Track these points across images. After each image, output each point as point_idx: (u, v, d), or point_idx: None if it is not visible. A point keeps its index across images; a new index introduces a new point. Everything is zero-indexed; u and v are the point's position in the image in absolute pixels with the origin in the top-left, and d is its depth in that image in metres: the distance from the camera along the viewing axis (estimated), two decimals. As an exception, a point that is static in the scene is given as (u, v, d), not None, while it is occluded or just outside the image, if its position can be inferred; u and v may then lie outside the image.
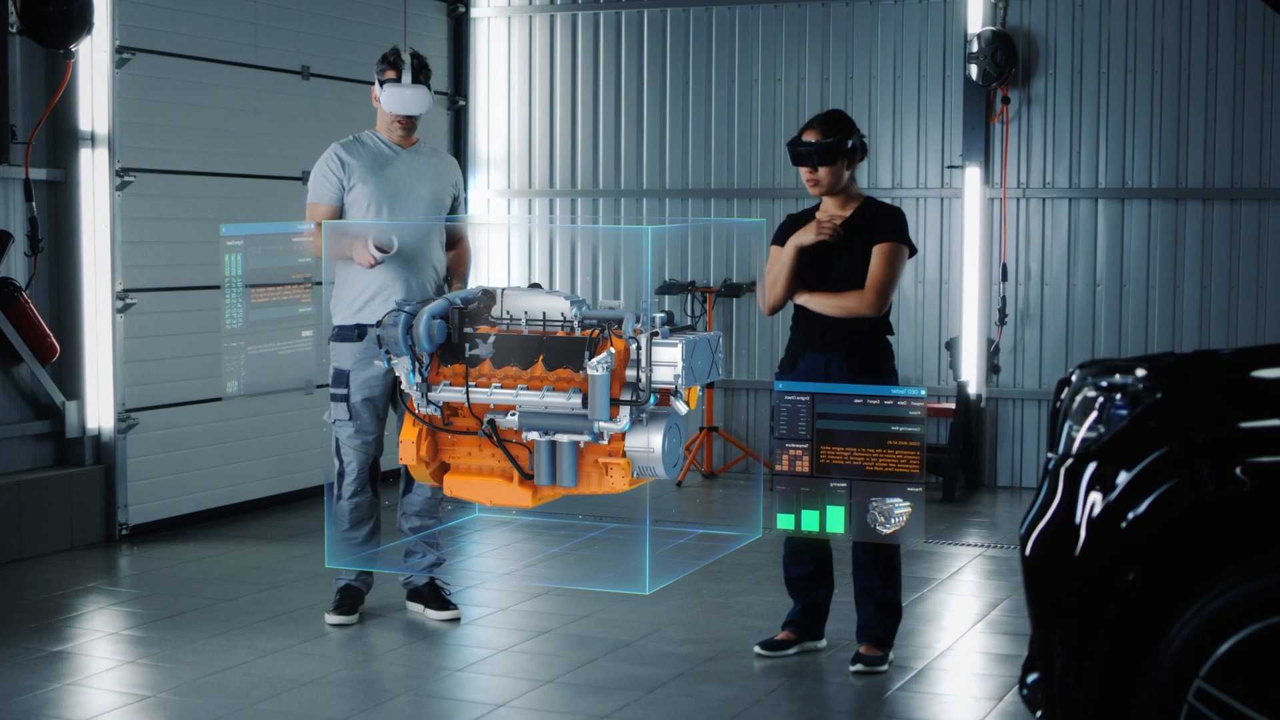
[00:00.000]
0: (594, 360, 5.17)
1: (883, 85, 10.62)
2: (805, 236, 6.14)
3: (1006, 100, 10.29)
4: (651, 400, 5.24)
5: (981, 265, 10.33)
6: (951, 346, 10.39)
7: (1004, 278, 10.35)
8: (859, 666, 6.14)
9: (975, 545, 8.60)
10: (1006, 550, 8.47)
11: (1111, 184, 10.21)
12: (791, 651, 6.36)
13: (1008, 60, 10.13)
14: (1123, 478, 3.89)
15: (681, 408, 5.29)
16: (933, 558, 8.21)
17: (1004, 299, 10.35)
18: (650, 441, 5.23)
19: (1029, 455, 10.44)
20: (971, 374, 10.33)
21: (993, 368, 10.42)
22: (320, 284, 6.78)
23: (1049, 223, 10.34)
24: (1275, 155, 9.88)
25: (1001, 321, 10.36)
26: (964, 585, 7.76)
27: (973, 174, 10.34)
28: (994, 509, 9.81)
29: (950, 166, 10.46)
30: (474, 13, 11.39)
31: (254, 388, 5.75)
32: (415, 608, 7.00)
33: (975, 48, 10.15)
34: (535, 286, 5.93)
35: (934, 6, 10.50)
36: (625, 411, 5.20)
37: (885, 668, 6.17)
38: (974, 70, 10.16)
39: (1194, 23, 9.99)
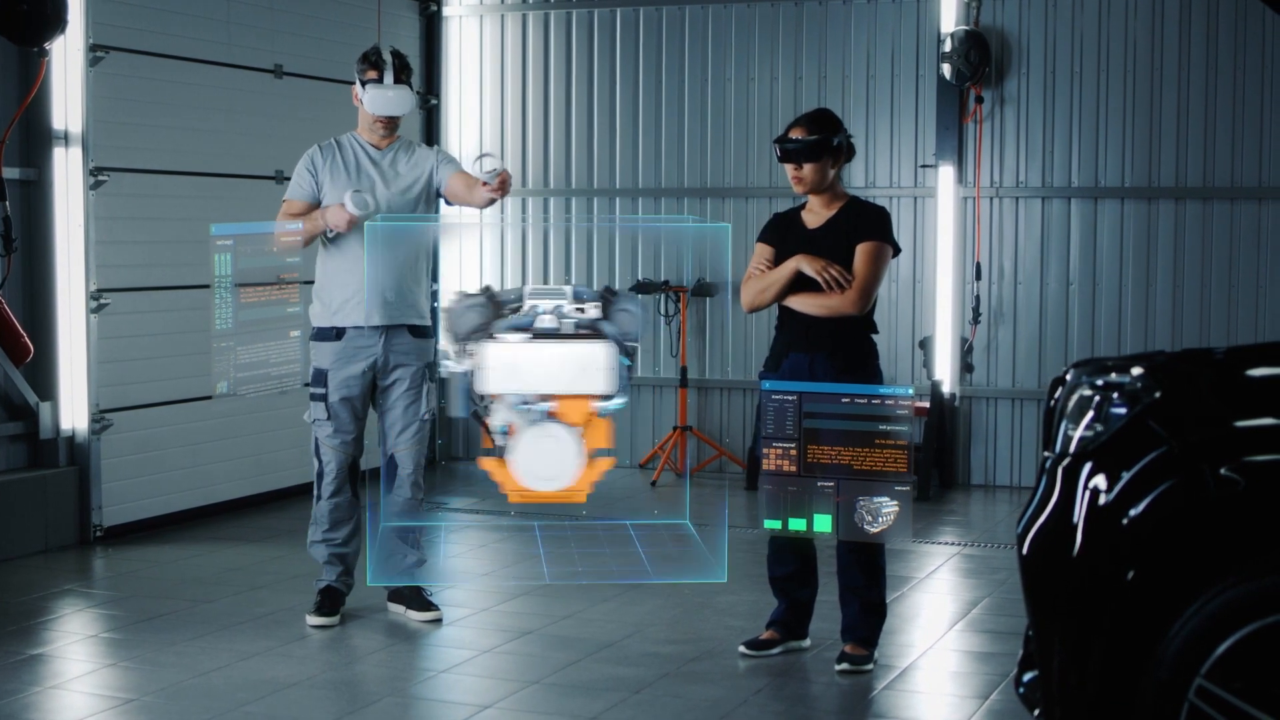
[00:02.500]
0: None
1: (856, 84, 10.64)
2: (809, 267, 6.11)
3: (980, 99, 10.32)
4: None
5: (955, 264, 10.36)
6: (925, 345, 10.41)
7: (977, 277, 10.38)
8: (844, 666, 6.14)
9: (952, 544, 8.62)
10: (983, 549, 8.49)
11: (1084, 183, 10.24)
12: (776, 651, 6.35)
13: (981, 60, 10.16)
14: (1122, 477, 3.90)
15: None
16: (910, 556, 8.22)
17: (977, 298, 10.38)
18: None
19: (1002, 454, 10.47)
20: (945, 373, 10.36)
21: (966, 367, 10.45)
22: (310, 283, 6.77)
23: (1022, 222, 10.38)
24: (1248, 154, 9.93)
25: (975, 320, 10.39)
26: (942, 584, 7.78)
27: (946, 173, 10.36)
28: (968, 507, 9.84)
29: (923, 166, 10.48)
30: (446, 11, 11.35)
31: (243, 387, 5.71)
32: (396, 609, 6.98)
33: (948, 47, 10.17)
34: (487, 289, 5.94)
35: (907, 6, 10.52)
36: None
37: (870, 667, 6.17)
38: (947, 69, 10.19)
39: (1166, 23, 10.04)
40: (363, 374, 6.79)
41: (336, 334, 6.76)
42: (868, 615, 6.23)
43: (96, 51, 8.38)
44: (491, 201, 6.60)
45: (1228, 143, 9.96)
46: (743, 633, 6.57)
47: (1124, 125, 10.15)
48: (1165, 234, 10.11)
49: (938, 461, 10.26)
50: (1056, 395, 4.31)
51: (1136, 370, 4.10)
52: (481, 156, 6.46)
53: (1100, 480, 3.94)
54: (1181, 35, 10.02)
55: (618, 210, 11.14)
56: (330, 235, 6.72)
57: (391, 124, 6.86)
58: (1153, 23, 10.07)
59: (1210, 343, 9.92)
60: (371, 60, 6.79)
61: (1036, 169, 10.33)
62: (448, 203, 6.98)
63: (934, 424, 10.18)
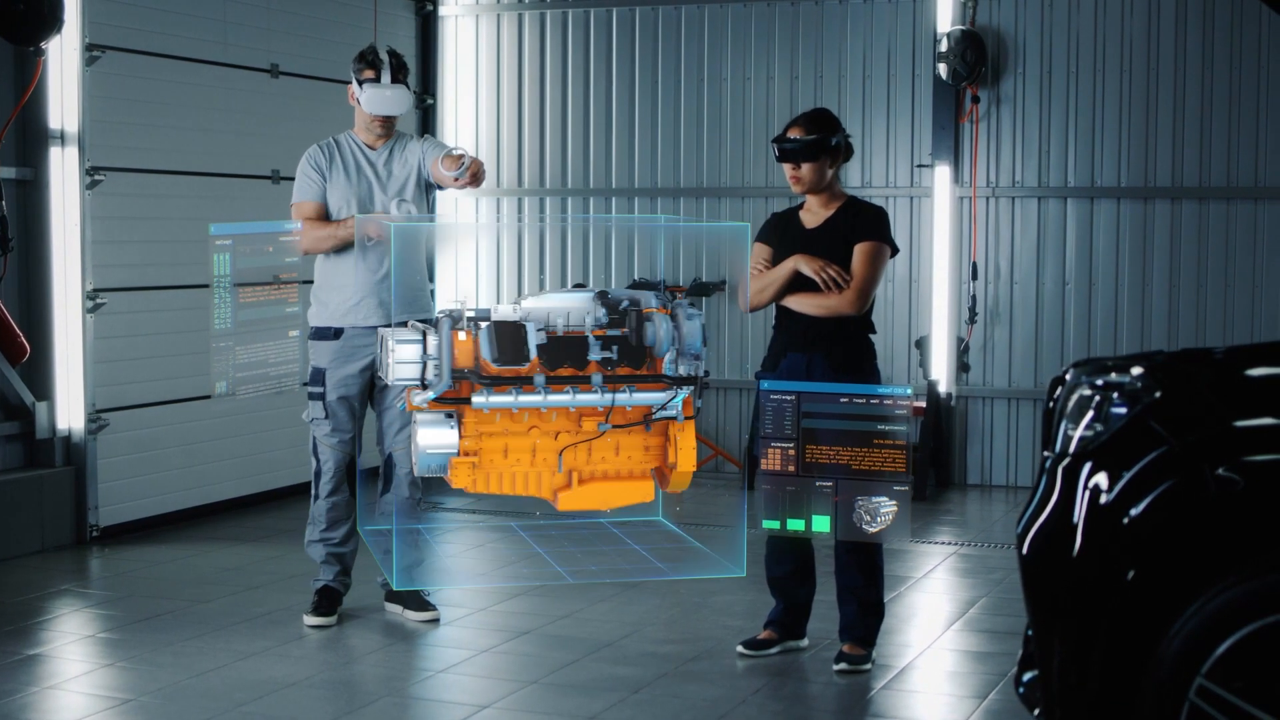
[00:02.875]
0: None
1: (852, 84, 10.64)
2: (807, 267, 6.11)
3: (976, 99, 10.32)
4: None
5: (951, 264, 10.36)
6: (921, 345, 10.41)
7: (974, 276, 10.38)
8: (842, 665, 6.14)
9: (948, 544, 8.63)
10: (979, 549, 8.49)
11: (1080, 183, 10.25)
12: (774, 651, 6.35)
13: (977, 59, 10.16)
14: (1122, 476, 3.89)
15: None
16: (907, 556, 8.22)
17: (974, 298, 10.38)
18: None
19: (999, 454, 10.47)
20: (941, 373, 10.36)
21: (962, 366, 10.45)
22: (309, 283, 6.75)
23: (1018, 222, 10.38)
24: (1243, 154, 9.94)
25: (971, 320, 10.39)
26: (939, 584, 7.78)
27: (942, 173, 10.37)
28: (964, 507, 9.84)
29: (920, 165, 10.49)
30: (442, 11, 11.35)
31: (242, 387, 5.71)
32: (394, 609, 6.97)
33: (945, 47, 10.17)
34: (579, 286, 5.91)
35: (903, 6, 10.52)
36: None
37: (868, 666, 6.17)
38: (943, 69, 10.19)
39: (1162, 22, 10.05)
40: (361, 373, 6.78)
41: (335, 333, 6.75)
42: (865, 615, 6.23)
43: (93, 51, 8.37)
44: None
45: (1224, 142, 9.96)
46: (741, 632, 6.56)
47: (1120, 125, 10.15)
48: (1161, 234, 10.12)
49: (934, 461, 10.27)
50: (1056, 395, 4.30)
51: (1136, 370, 4.10)
52: (449, 153, 6.49)
53: (1100, 480, 3.94)
54: (1178, 35, 10.02)
55: (614, 210, 11.13)
56: (369, 244, 6.69)
57: (388, 124, 6.85)
58: (1149, 22, 10.07)
59: (1207, 342, 9.92)
60: (368, 60, 6.77)
61: (1033, 169, 10.34)
62: (438, 188, 6.97)
63: (930, 424, 10.18)
